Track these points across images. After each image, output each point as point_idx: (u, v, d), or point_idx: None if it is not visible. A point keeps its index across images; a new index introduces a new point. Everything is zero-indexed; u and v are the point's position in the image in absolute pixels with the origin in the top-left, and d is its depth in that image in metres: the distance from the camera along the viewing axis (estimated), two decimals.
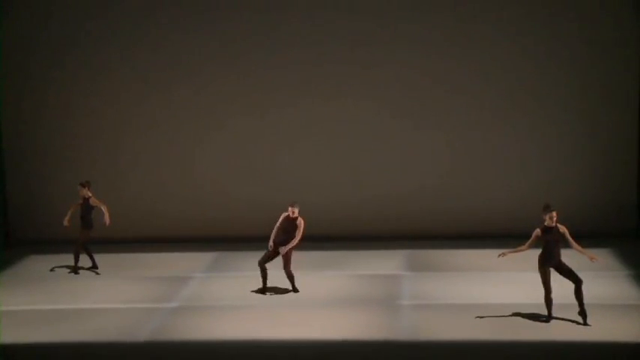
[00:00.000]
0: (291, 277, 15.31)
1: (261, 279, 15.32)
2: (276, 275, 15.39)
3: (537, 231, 13.40)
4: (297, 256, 15.45)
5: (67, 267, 17.05)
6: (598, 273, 15.34)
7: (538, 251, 13.52)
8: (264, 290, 15.34)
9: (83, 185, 16.65)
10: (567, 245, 13.46)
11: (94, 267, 17.07)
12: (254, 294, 15.39)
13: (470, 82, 18.77)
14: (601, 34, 18.46)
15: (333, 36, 18.74)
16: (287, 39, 18.83)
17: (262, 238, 15.47)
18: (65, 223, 16.79)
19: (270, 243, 15.07)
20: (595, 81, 18.59)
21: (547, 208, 13.39)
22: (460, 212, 18.93)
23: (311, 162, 19.12)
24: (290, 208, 15.05)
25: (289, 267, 15.18)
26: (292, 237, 15.01)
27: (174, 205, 19.22)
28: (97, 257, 17.10)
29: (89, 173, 17.87)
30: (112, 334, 13.57)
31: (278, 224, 15.10)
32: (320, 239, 18.11)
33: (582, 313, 13.42)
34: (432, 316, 14.12)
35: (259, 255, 15.31)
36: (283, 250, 15.00)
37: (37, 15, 18.98)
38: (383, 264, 17.22)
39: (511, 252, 13.63)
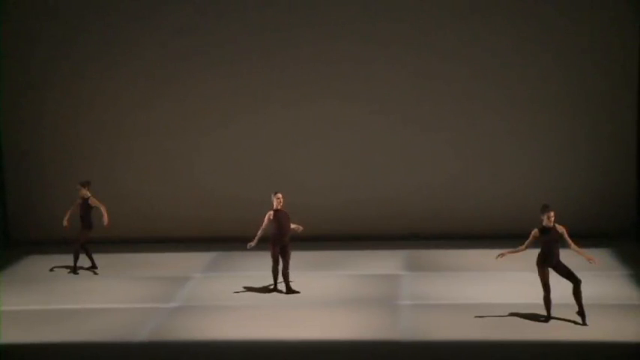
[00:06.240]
0: (287, 277, 15.37)
1: (273, 279, 15.41)
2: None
3: (535, 231, 13.42)
4: (296, 256, 15.47)
5: (67, 267, 17.06)
6: (597, 273, 15.33)
7: (537, 251, 13.54)
8: (275, 289, 15.42)
9: (83, 185, 16.67)
10: (566, 245, 13.49)
11: (93, 267, 17.09)
12: (254, 294, 15.42)
13: (470, 83, 18.76)
14: (601, 35, 18.46)
15: (335, 36, 18.75)
16: (289, 39, 18.83)
17: (262, 238, 15.47)
18: (64, 223, 16.81)
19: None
20: (594, 82, 18.60)
21: (545, 209, 13.40)
22: (460, 212, 18.94)
23: (311, 162, 19.12)
24: (279, 196, 15.14)
25: (288, 267, 15.26)
26: (288, 230, 15.06)
27: (175, 205, 19.23)
28: (97, 257, 17.12)
29: (89, 173, 17.89)
30: (112, 334, 13.58)
31: (267, 223, 15.13)
32: (320, 239, 18.14)
33: (581, 313, 13.44)
34: (431, 316, 14.13)
35: (259, 255, 15.33)
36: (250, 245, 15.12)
37: (37, 15, 18.99)
38: (383, 264, 17.23)
39: (510, 252, 13.65)
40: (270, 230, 15.17)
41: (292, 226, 15.25)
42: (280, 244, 15.17)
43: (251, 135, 19.11)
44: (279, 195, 15.15)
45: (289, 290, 15.33)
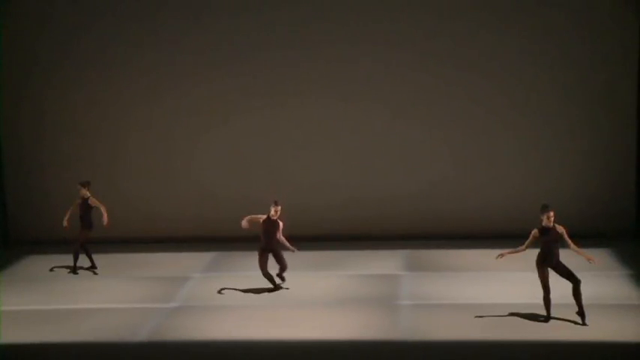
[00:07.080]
0: (282, 276, 15.46)
1: (269, 282, 15.43)
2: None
3: (535, 231, 13.42)
4: (296, 256, 15.47)
5: (67, 267, 17.06)
6: (597, 273, 15.35)
7: (537, 251, 13.54)
8: (275, 288, 15.45)
9: (83, 185, 16.67)
10: (565, 246, 13.49)
11: (92, 267, 17.09)
12: (254, 294, 15.42)
13: (469, 83, 18.77)
14: (600, 35, 18.46)
15: (336, 36, 18.74)
16: (289, 38, 18.82)
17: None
18: (64, 223, 16.80)
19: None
20: (594, 82, 18.60)
21: (544, 209, 13.39)
22: (460, 212, 18.94)
23: (311, 162, 19.12)
24: (274, 208, 15.10)
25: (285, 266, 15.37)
26: (275, 238, 15.09)
27: (174, 205, 19.23)
28: (97, 257, 17.11)
29: (89, 173, 17.89)
30: (112, 334, 13.58)
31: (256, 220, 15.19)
32: (320, 239, 18.13)
33: (581, 313, 13.44)
34: (430, 316, 14.13)
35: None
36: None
37: (37, 16, 18.98)
38: (382, 264, 17.23)
39: (510, 252, 13.65)
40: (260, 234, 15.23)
41: (286, 243, 15.25)
42: (268, 251, 15.18)
43: (251, 135, 19.11)
44: (278, 208, 15.12)
45: (279, 277, 15.39)
